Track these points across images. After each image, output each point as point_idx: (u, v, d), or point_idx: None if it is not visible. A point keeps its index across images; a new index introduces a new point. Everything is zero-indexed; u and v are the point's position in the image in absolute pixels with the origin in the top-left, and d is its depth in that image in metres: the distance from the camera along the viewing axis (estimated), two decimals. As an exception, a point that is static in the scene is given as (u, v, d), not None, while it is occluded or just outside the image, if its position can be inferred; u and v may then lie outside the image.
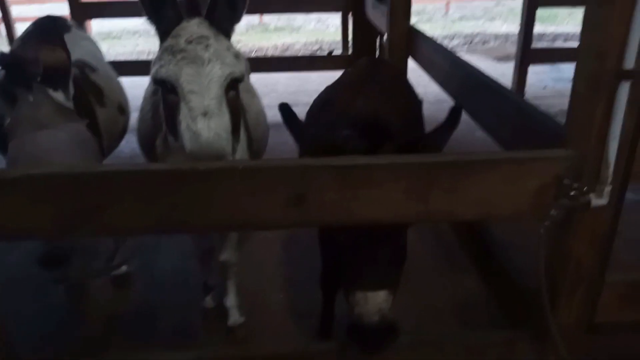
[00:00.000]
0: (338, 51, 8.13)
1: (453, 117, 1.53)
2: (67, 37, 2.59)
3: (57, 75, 1.88)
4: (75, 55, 2.42)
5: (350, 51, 5.87)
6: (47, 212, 1.29)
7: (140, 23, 12.77)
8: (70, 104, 1.89)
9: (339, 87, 2.35)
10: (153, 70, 1.59)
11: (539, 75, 6.64)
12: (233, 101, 1.60)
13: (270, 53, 9.21)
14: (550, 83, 6.62)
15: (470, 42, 9.76)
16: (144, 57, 8.80)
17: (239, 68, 1.60)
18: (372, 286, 1.44)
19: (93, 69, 2.71)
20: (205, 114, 1.48)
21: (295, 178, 1.31)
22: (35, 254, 2.95)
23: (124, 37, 11.16)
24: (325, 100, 2.28)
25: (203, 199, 1.30)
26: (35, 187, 1.26)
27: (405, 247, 1.58)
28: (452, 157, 1.35)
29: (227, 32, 1.66)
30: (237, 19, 1.67)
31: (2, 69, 1.85)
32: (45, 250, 1.73)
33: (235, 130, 1.61)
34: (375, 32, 5.15)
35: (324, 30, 11.72)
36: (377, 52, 5.32)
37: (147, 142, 2.30)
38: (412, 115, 2.27)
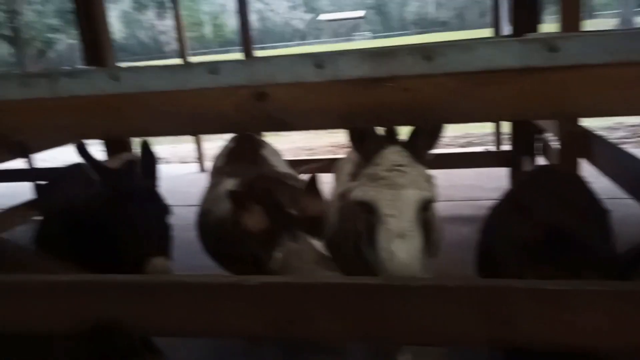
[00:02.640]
0: (486, 145, 8.09)
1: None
2: (266, 152, 2.98)
3: (316, 224, 1.98)
4: (279, 168, 2.75)
5: (503, 147, 5.85)
6: (259, 315, 1.45)
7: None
8: (325, 251, 1.94)
9: (516, 198, 2.36)
10: (355, 192, 1.81)
11: None
12: (426, 221, 1.74)
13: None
14: None
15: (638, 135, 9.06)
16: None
17: (432, 191, 1.76)
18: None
19: (296, 180, 2.87)
20: (401, 236, 1.64)
21: (497, 299, 1.35)
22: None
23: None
24: (504, 210, 2.30)
25: (405, 311, 1.38)
26: (257, 292, 1.45)
27: None
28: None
29: (421, 158, 1.83)
30: (432, 147, 1.85)
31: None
32: None
33: (426, 247, 1.72)
34: (534, 129, 5.10)
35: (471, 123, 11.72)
36: (538, 150, 5.22)
37: (332, 245, 2.51)
38: (600, 228, 2.19)
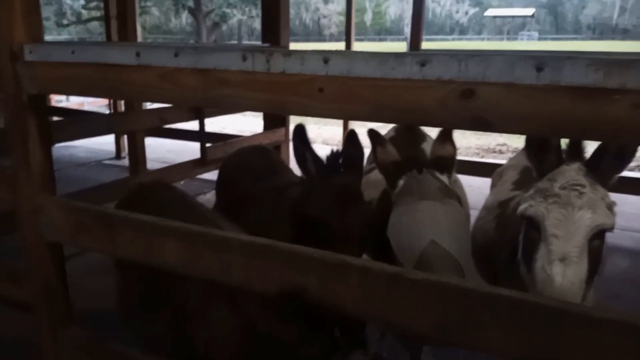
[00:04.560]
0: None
1: None
2: (426, 146, 2.93)
3: (444, 163, 2.08)
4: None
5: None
6: (429, 315, 1.40)
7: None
8: (451, 185, 2.04)
9: None
10: (523, 206, 1.69)
11: None
12: (595, 250, 1.58)
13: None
14: None
15: None
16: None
17: (610, 220, 1.58)
18: None
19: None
20: (563, 259, 1.51)
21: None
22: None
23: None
24: None
25: (583, 342, 1.27)
26: (422, 290, 1.42)
27: None
28: None
29: (605, 181, 1.65)
30: (620, 170, 1.65)
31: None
32: None
33: (590, 279, 1.57)
34: None
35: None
36: None
37: (482, 252, 2.41)
38: None
